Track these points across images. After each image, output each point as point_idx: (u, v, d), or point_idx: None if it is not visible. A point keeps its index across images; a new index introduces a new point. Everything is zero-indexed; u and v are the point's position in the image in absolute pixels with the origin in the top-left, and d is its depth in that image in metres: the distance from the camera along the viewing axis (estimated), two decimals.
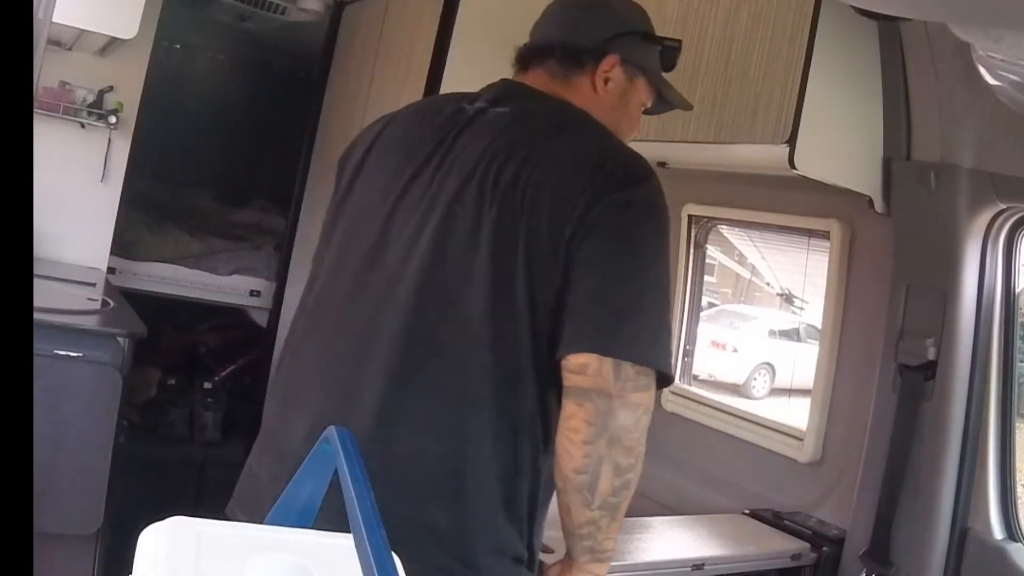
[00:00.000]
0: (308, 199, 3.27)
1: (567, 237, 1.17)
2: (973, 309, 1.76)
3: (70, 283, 2.51)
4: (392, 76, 2.72)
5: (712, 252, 2.64)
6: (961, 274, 1.75)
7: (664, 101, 1.49)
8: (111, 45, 2.64)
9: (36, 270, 2.20)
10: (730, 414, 2.34)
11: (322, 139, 3.25)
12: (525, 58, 1.40)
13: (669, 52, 1.44)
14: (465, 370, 1.18)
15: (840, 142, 1.78)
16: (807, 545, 1.90)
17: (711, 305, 3.36)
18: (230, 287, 3.50)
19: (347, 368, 1.23)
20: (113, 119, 2.79)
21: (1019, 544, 1.74)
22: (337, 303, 1.30)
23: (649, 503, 2.00)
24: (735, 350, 4.32)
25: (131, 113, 2.86)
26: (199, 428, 3.45)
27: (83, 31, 2.29)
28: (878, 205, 1.85)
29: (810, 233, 2.27)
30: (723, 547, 1.86)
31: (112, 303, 2.34)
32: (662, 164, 2.26)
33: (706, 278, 2.61)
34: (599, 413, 1.14)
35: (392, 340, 1.20)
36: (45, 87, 2.71)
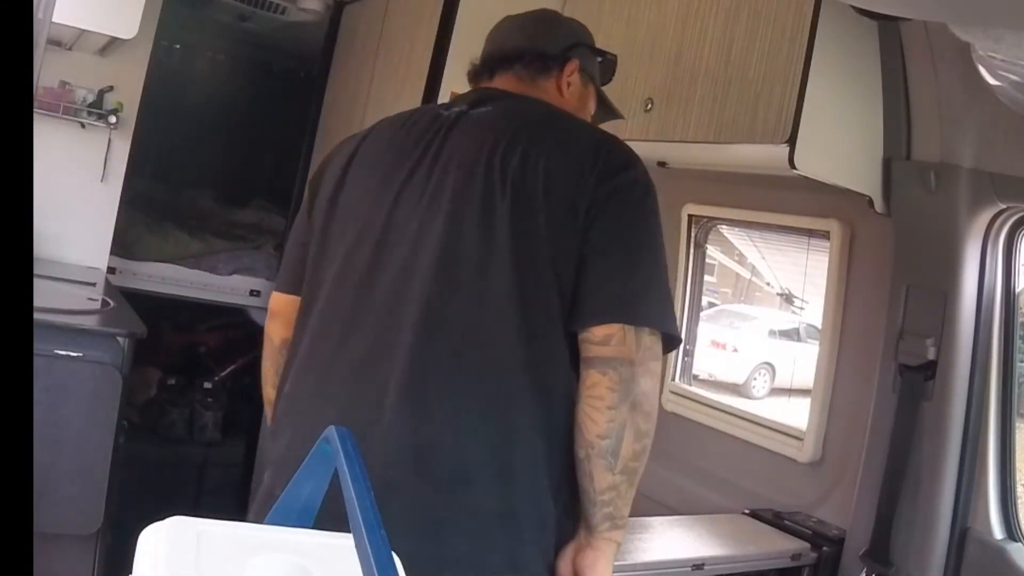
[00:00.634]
0: None
1: (582, 217, 1.25)
2: (973, 309, 1.76)
3: (70, 283, 2.51)
4: (392, 76, 2.73)
5: (712, 252, 2.64)
6: (961, 274, 1.75)
7: (605, 109, 1.62)
8: (111, 45, 2.64)
9: (36, 270, 2.20)
10: (730, 414, 2.34)
11: (322, 139, 3.25)
12: (491, 66, 1.50)
13: (609, 64, 1.60)
14: (497, 352, 1.22)
15: (840, 142, 1.78)
16: (807, 545, 1.90)
17: (711, 305, 3.35)
18: (230, 287, 3.50)
19: (369, 371, 1.24)
20: (113, 119, 2.79)
21: (1019, 544, 1.74)
22: (344, 315, 1.30)
23: (649, 503, 2.00)
24: (735, 350, 4.32)
25: (131, 113, 2.86)
26: (199, 428, 3.45)
27: (83, 31, 2.29)
28: (878, 205, 1.85)
29: (810, 233, 2.27)
30: (723, 547, 1.85)
31: (112, 303, 2.34)
32: (662, 164, 2.25)
33: (706, 278, 2.61)
34: (622, 380, 1.21)
35: (416, 334, 1.22)
36: (45, 87, 2.71)
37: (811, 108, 1.67)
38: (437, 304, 1.23)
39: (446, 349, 1.22)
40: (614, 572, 1.29)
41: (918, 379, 1.79)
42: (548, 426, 1.24)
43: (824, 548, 1.90)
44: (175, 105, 3.72)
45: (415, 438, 1.19)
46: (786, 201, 2.18)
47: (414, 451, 1.19)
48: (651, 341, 1.23)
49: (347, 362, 1.27)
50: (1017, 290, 1.78)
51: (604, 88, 1.60)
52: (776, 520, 1.98)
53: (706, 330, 2.79)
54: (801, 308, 2.66)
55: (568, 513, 1.28)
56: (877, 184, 1.84)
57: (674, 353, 2.43)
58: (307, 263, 1.40)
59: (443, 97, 2.41)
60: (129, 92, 2.85)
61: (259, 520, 1.24)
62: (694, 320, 2.57)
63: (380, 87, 2.81)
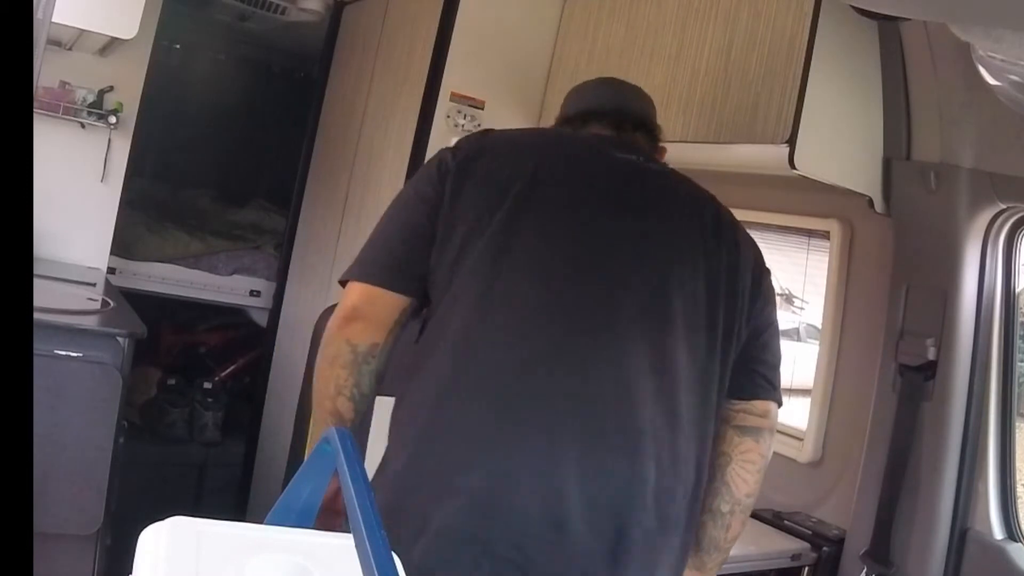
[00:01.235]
0: (308, 199, 3.26)
1: (747, 295, 1.36)
2: (973, 309, 1.76)
3: (70, 283, 2.50)
4: (392, 76, 2.73)
5: None
6: (961, 274, 1.75)
7: None
8: (111, 45, 2.64)
9: (36, 270, 2.20)
10: None
11: (322, 139, 3.25)
12: (616, 120, 1.47)
13: None
14: (704, 404, 1.30)
15: (840, 142, 1.78)
16: (807, 545, 1.90)
17: None
18: (230, 287, 3.50)
19: (594, 410, 1.22)
20: (113, 119, 2.79)
21: (1019, 544, 1.74)
22: (549, 345, 1.23)
23: None
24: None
25: (131, 113, 2.86)
26: (199, 428, 3.45)
27: (83, 31, 2.29)
28: (878, 205, 1.85)
29: (810, 233, 2.27)
30: None
31: (112, 303, 2.34)
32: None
33: None
34: (768, 449, 1.39)
35: (643, 380, 1.24)
36: (45, 87, 2.71)
37: (811, 108, 1.67)
38: (660, 352, 1.26)
39: (670, 398, 1.26)
40: None
41: (918, 379, 1.79)
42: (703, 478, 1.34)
43: (824, 548, 1.90)
44: (175, 105, 3.72)
45: (656, 484, 1.22)
46: (786, 201, 2.18)
47: (654, 496, 1.22)
48: None
49: (561, 396, 1.21)
50: (1017, 290, 1.78)
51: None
52: (776, 520, 1.98)
53: None
54: (801, 308, 2.66)
55: None
56: (877, 184, 1.84)
57: None
58: (444, 260, 1.27)
59: (443, 97, 2.41)
60: (129, 92, 2.85)
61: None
62: None
63: (380, 87, 2.81)
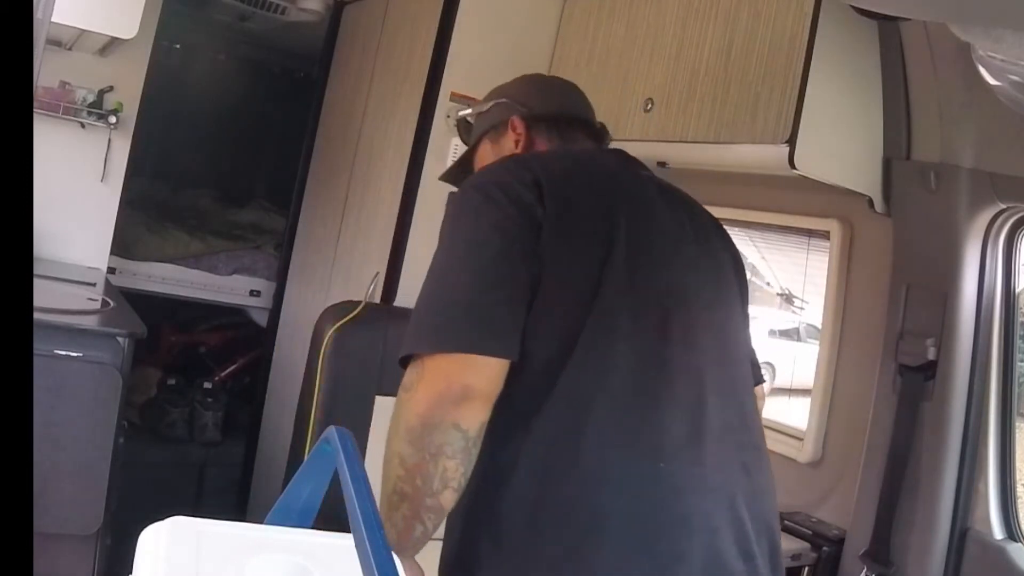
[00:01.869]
0: (308, 199, 3.26)
1: (743, 292, 1.41)
2: (973, 309, 1.76)
3: (70, 283, 2.50)
4: (392, 76, 2.73)
5: None
6: (961, 274, 1.75)
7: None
8: (111, 45, 2.64)
9: (36, 270, 2.20)
10: None
11: (322, 139, 3.25)
12: (600, 135, 1.51)
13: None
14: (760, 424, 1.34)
15: (840, 142, 1.78)
16: (807, 545, 1.90)
17: None
18: (230, 287, 3.51)
19: (732, 438, 1.23)
20: (113, 119, 2.79)
21: (1019, 544, 1.74)
22: (678, 380, 1.19)
23: None
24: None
25: (131, 113, 2.86)
26: (199, 428, 3.45)
27: (83, 31, 2.29)
28: (878, 205, 1.85)
29: (810, 233, 2.27)
30: None
31: (112, 303, 2.34)
32: (662, 164, 2.26)
33: None
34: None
35: (744, 399, 1.29)
36: (45, 87, 2.71)
37: (811, 108, 1.67)
38: (737, 364, 1.31)
39: (751, 422, 1.29)
40: None
41: (918, 379, 1.79)
42: None
43: (824, 548, 1.90)
44: (175, 105, 3.73)
45: (752, 501, 1.23)
46: (786, 201, 2.17)
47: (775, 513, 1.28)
48: None
49: (719, 429, 1.21)
50: (1017, 290, 1.78)
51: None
52: None
53: None
54: (801, 308, 2.66)
55: None
56: (877, 184, 1.84)
57: None
58: (551, 310, 1.16)
59: (443, 97, 2.41)
60: (129, 92, 2.85)
61: None
62: None
63: (380, 87, 2.81)
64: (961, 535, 1.75)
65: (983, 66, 1.21)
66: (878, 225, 1.92)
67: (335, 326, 2.18)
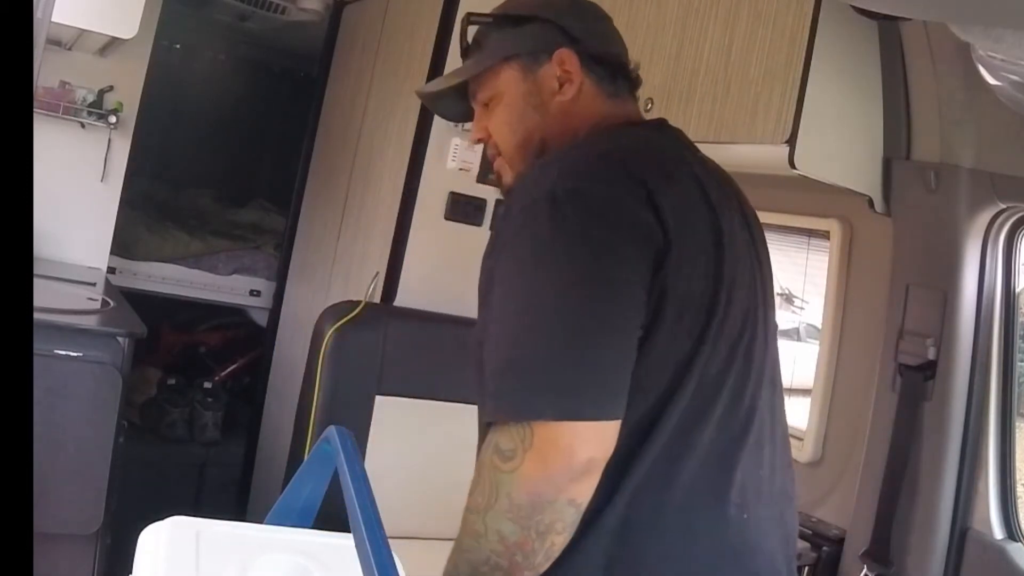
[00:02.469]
0: (308, 199, 3.27)
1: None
2: (973, 309, 1.76)
3: (70, 283, 2.50)
4: (392, 76, 2.72)
5: None
6: (961, 274, 1.75)
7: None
8: (111, 45, 2.64)
9: (36, 270, 2.20)
10: None
11: (322, 139, 3.25)
12: (637, 85, 1.27)
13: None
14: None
15: (840, 142, 1.78)
16: (807, 545, 1.90)
17: None
18: (230, 287, 3.50)
19: (777, 482, 1.17)
20: (113, 119, 2.79)
21: (1019, 544, 1.74)
22: (748, 409, 1.09)
23: None
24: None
25: (131, 113, 2.86)
26: (199, 428, 3.45)
27: (83, 31, 2.29)
28: (878, 205, 1.85)
29: (810, 233, 2.27)
30: None
31: (112, 303, 2.34)
32: None
33: None
34: None
35: (782, 419, 1.21)
36: (45, 87, 2.71)
37: (811, 108, 1.67)
38: (781, 389, 1.21)
39: (786, 443, 1.23)
40: None
41: (918, 379, 1.79)
42: None
43: (824, 548, 1.90)
44: (175, 105, 3.73)
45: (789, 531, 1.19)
46: (786, 201, 2.17)
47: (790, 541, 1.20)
48: None
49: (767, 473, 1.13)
50: (1017, 290, 1.78)
51: None
52: None
53: None
54: (801, 308, 2.66)
55: None
56: (877, 184, 1.84)
57: None
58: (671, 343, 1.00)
59: None
60: (129, 92, 2.85)
61: None
62: None
63: (380, 87, 2.81)
64: (961, 535, 1.75)
65: (983, 66, 1.21)
66: (878, 225, 1.92)
67: (335, 326, 2.18)
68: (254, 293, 3.53)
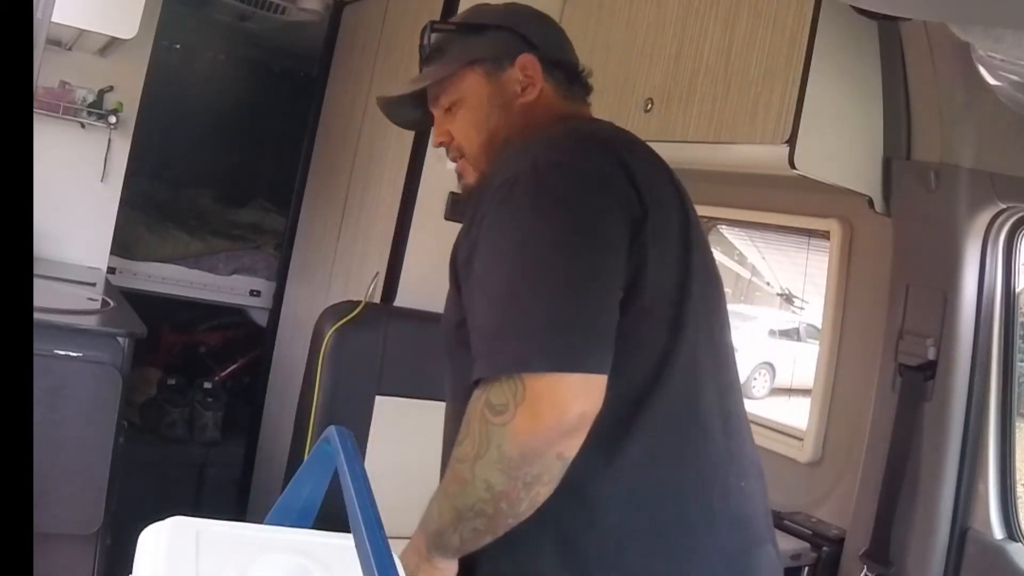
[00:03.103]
0: (308, 199, 3.26)
1: None
2: (973, 309, 1.76)
3: (70, 283, 2.50)
4: (392, 76, 2.72)
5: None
6: (961, 274, 1.75)
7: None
8: (111, 45, 2.64)
9: (36, 270, 2.20)
10: None
11: (322, 139, 3.25)
12: (588, 92, 1.32)
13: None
14: None
15: (840, 142, 1.78)
16: (807, 545, 1.90)
17: None
18: (230, 287, 3.51)
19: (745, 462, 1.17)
20: (113, 119, 2.79)
21: (1019, 544, 1.74)
22: (714, 396, 1.13)
23: None
24: (735, 350, 4.32)
25: (131, 113, 2.86)
26: (199, 428, 3.45)
27: (83, 31, 2.29)
28: (878, 205, 1.85)
29: (810, 233, 2.27)
30: None
31: (112, 303, 2.34)
32: None
33: None
34: None
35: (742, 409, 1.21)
36: (45, 87, 2.71)
37: (811, 108, 1.67)
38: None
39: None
40: None
41: (918, 379, 1.79)
42: None
43: (824, 548, 1.90)
44: (175, 105, 3.73)
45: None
46: (786, 201, 2.17)
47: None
48: None
49: (736, 452, 1.15)
50: (1017, 290, 1.78)
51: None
52: (776, 520, 1.97)
53: None
54: (801, 308, 2.66)
55: None
56: (877, 184, 1.84)
57: None
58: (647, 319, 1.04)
59: None
60: (129, 92, 2.85)
61: None
62: None
63: (380, 87, 2.81)
64: (961, 535, 1.75)
65: (983, 66, 1.21)
66: (878, 225, 1.92)
67: (335, 326, 2.18)
68: (254, 293, 3.53)
